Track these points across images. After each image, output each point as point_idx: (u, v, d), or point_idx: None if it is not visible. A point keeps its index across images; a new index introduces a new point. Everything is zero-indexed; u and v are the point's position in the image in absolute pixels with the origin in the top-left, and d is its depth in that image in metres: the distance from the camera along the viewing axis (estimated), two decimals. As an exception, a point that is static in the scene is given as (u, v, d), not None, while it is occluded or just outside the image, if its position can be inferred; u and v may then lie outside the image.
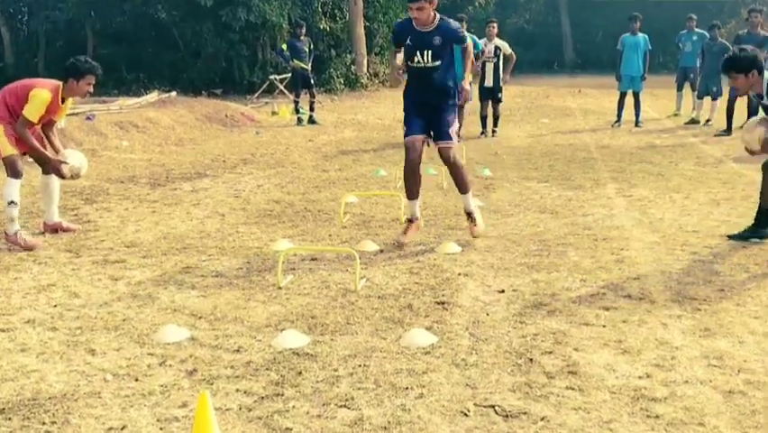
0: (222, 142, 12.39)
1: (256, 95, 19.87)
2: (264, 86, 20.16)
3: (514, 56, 12.55)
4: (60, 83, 6.18)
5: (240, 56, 22.63)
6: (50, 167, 6.37)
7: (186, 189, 8.40)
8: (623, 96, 14.13)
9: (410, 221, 6.05)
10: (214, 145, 12.05)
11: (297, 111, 15.28)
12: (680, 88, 15.49)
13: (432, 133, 6.01)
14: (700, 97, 14.29)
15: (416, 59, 5.85)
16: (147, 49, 26.86)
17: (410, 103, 6.04)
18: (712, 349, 3.88)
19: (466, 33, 5.80)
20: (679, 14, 23.39)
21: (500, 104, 12.87)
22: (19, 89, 6.13)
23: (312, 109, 15.18)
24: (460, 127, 11.99)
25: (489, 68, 12.50)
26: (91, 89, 6.27)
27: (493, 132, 12.72)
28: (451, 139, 5.93)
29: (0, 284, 5.08)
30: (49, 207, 6.52)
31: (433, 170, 9.12)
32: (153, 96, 15.77)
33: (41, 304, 4.68)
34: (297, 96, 15.33)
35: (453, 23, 5.98)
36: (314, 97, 15.30)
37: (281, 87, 19.52)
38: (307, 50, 14.98)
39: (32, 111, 6.03)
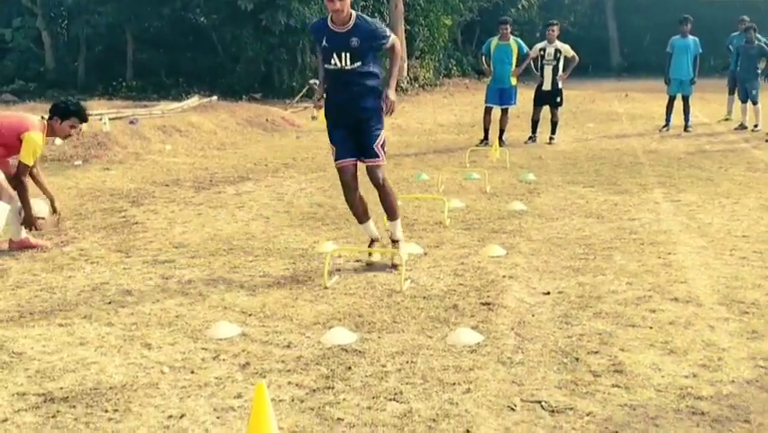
0: (263, 147, 12.69)
1: (296, 99, 20.21)
2: (304, 90, 20.50)
3: (576, 58, 12.46)
4: (45, 121, 6.15)
5: (279, 60, 23.04)
6: (26, 218, 6.17)
7: (230, 193, 8.68)
8: (672, 99, 14.11)
9: (372, 242, 5.83)
10: (255, 149, 12.36)
11: None
12: (731, 92, 15.42)
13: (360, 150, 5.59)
14: (744, 101, 14.23)
15: (332, 62, 5.37)
16: (186, 53, 27.47)
17: (333, 118, 5.61)
18: (759, 351, 3.98)
19: (387, 31, 5.44)
20: (729, 15, 23.25)
21: (559, 108, 12.73)
22: (4, 127, 6.00)
23: None
24: (502, 132, 12.16)
25: (548, 71, 12.44)
26: (73, 133, 6.22)
27: (550, 139, 12.58)
28: (378, 157, 5.55)
29: (55, 282, 5.37)
30: (15, 223, 6.20)
31: (476, 175, 9.29)
32: (194, 100, 16.18)
33: (95, 301, 4.95)
34: None
35: (372, 22, 5.43)
36: None
37: (321, 91, 19.79)
38: None
39: (29, 155, 6.00)
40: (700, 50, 14.00)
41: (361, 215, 5.81)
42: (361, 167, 5.71)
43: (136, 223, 7.18)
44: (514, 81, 12.20)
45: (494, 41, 12.24)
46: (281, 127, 15.07)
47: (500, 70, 12.14)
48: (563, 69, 12.48)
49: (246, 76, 23.56)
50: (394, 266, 5.54)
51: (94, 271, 5.62)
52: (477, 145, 11.86)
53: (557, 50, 12.38)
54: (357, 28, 5.33)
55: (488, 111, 12.34)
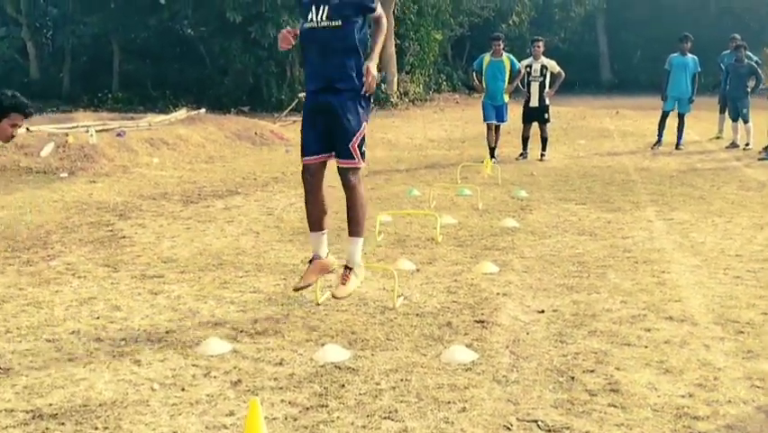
0: (252, 160, 12.70)
1: (284, 113, 20.24)
2: (293, 104, 20.54)
3: (563, 74, 12.57)
4: None
5: (268, 73, 23.09)
6: None
7: (218, 207, 8.68)
8: (665, 115, 14.20)
9: (311, 260, 5.03)
10: (244, 163, 12.37)
11: None
12: (722, 111, 15.57)
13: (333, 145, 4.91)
14: (735, 120, 14.39)
15: (309, 17, 4.82)
16: (173, 65, 27.48)
17: (308, 99, 5.01)
18: (755, 371, 4.01)
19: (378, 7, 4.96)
20: (721, 34, 23.47)
21: (548, 124, 12.83)
22: None
23: None
24: (494, 148, 12.16)
25: (535, 87, 12.51)
26: (16, 133, 4.89)
27: (541, 156, 12.64)
28: (353, 158, 4.87)
29: (42, 296, 5.35)
30: None
31: (467, 191, 9.33)
32: (182, 113, 16.18)
33: (83, 316, 4.93)
34: None
35: None
36: None
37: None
38: None
39: None
40: (699, 69, 14.14)
41: (316, 223, 5.07)
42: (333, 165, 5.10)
43: (124, 237, 7.17)
44: (507, 98, 12.23)
45: (486, 57, 12.27)
46: (270, 141, 15.08)
47: (494, 87, 12.14)
48: (550, 86, 12.57)
49: (234, 88, 23.60)
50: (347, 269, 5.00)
51: (81, 286, 5.60)
52: (492, 161, 11.53)
53: (543, 66, 12.49)
54: None
55: (489, 128, 12.32)
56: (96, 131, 11.70)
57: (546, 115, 12.67)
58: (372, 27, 5.07)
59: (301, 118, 5.10)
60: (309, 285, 4.97)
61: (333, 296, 4.98)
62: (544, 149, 12.76)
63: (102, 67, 26.85)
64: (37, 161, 10.80)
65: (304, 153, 4.97)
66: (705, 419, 3.48)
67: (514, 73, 12.21)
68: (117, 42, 26.35)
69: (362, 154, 4.92)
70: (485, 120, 12.40)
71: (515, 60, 12.29)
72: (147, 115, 16.62)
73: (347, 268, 5.01)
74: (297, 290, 4.97)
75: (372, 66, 4.82)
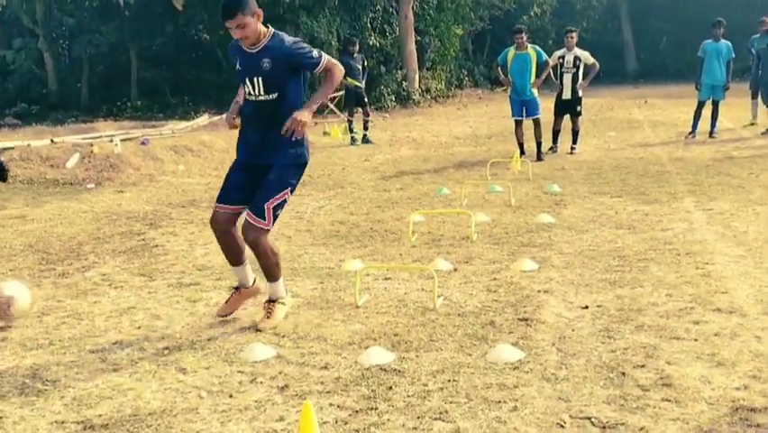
0: (277, 164, 12.78)
1: (305, 115, 20.32)
2: (313, 105, 20.62)
3: (597, 65, 12.50)
4: None
5: (287, 75, 23.22)
6: None
7: (247, 212, 8.75)
8: (701, 105, 14.11)
9: (236, 288, 5.14)
10: (269, 167, 12.45)
11: (350, 130, 15.66)
12: (754, 96, 15.45)
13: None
14: None
15: (246, 90, 4.74)
16: (190, 71, 27.77)
17: (238, 154, 4.92)
18: (810, 361, 4.01)
19: (315, 51, 4.74)
20: (749, 16, 23.27)
21: (580, 117, 12.80)
22: None
23: (366, 128, 15.56)
24: (540, 145, 12.05)
25: (568, 79, 12.45)
26: None
27: (572, 149, 12.63)
28: (262, 217, 4.69)
29: (80, 308, 5.44)
30: None
31: (498, 188, 9.35)
32: (204, 119, 16.34)
33: (125, 326, 5.02)
34: (351, 114, 15.74)
35: (288, 39, 4.75)
36: (368, 116, 15.69)
37: (332, 106, 19.98)
38: (361, 67, 15.38)
39: None
40: (733, 55, 14.02)
41: (233, 259, 5.04)
42: None
43: (156, 246, 7.27)
44: (535, 92, 12.18)
45: (511, 50, 12.22)
46: (293, 144, 15.16)
47: (520, 81, 12.06)
48: (583, 77, 12.50)
49: (253, 92, 23.76)
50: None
51: (119, 296, 5.70)
52: (520, 158, 11.43)
53: (576, 58, 12.40)
54: (268, 49, 4.65)
55: (518, 124, 12.26)
56: (121, 140, 11.85)
57: (579, 108, 12.64)
58: (322, 78, 4.95)
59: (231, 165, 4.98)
60: (231, 313, 5.09)
61: (258, 329, 4.82)
62: (574, 142, 12.73)
63: (119, 75, 27.21)
64: (63, 173, 10.96)
65: (218, 198, 4.86)
66: (762, 410, 3.49)
67: (541, 65, 12.14)
68: (134, 50, 26.67)
69: (275, 218, 4.75)
70: (513, 116, 12.39)
71: (541, 52, 12.22)
72: (168, 122, 16.81)
73: (271, 301, 4.98)
74: (220, 316, 5.07)
75: (305, 114, 4.57)
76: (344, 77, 15.14)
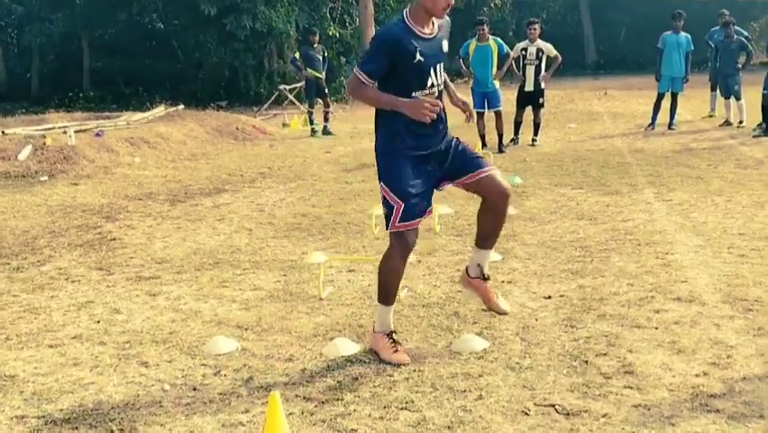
0: (236, 156, 12.75)
1: (265, 106, 20.28)
2: (273, 97, 20.57)
3: (559, 57, 12.61)
4: None
5: (245, 66, 23.13)
6: None
7: (207, 205, 8.73)
8: (661, 97, 14.36)
9: (393, 339, 4.24)
10: (228, 159, 12.42)
11: (310, 122, 15.65)
12: (713, 88, 15.78)
13: (452, 173, 4.31)
14: (727, 98, 14.59)
15: (429, 83, 4.10)
16: (144, 60, 27.45)
17: (410, 161, 4.14)
18: (767, 347, 4.15)
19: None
20: (708, 10, 23.73)
21: (542, 109, 12.95)
22: None
23: (326, 120, 15.57)
24: (501, 137, 12.21)
25: (530, 71, 12.54)
26: None
27: (533, 141, 12.77)
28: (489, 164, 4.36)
29: (38, 302, 5.40)
30: None
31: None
32: (160, 110, 16.18)
33: (83, 320, 5.00)
34: (311, 106, 15.72)
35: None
36: (328, 107, 15.70)
37: (291, 97, 19.93)
38: (321, 58, 15.39)
39: None
40: (692, 47, 14.29)
41: (394, 296, 4.34)
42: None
43: (113, 239, 7.21)
44: (497, 84, 12.31)
45: (472, 42, 12.34)
46: (252, 135, 15.13)
47: (482, 73, 12.20)
48: (546, 69, 12.65)
49: (210, 83, 23.63)
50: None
51: (77, 291, 5.66)
52: (482, 150, 11.60)
53: (539, 50, 12.53)
54: (441, 26, 4.15)
55: (479, 116, 12.26)
56: (75, 131, 11.69)
57: (541, 100, 12.79)
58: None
59: (388, 165, 4.19)
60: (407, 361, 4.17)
61: (503, 312, 4.55)
62: (536, 134, 12.88)
63: (71, 65, 26.79)
64: (15, 165, 10.79)
65: (411, 215, 4.19)
66: (721, 396, 3.61)
67: (502, 57, 12.27)
68: (86, 39, 26.28)
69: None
70: (474, 107, 12.47)
71: (502, 44, 12.35)
72: (123, 113, 16.61)
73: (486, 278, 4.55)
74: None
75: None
76: (305, 68, 15.17)
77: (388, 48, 3.99)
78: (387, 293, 4.25)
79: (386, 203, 4.21)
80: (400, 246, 4.25)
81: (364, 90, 4.07)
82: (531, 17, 16.27)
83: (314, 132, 15.40)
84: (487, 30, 12.33)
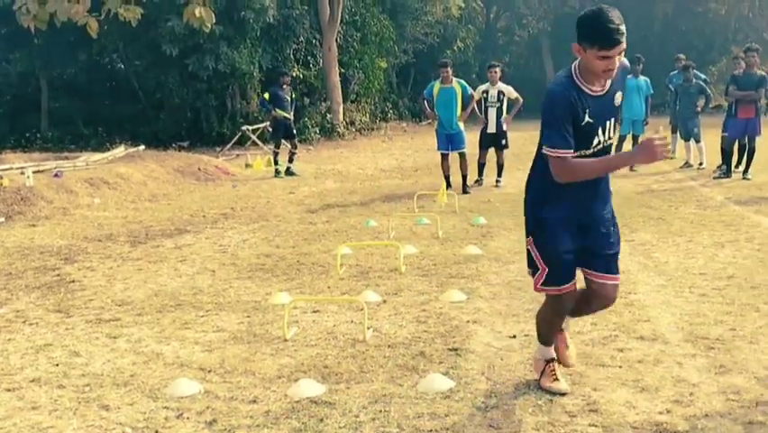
0: (198, 197, 12.74)
1: (227, 146, 20.31)
2: (236, 137, 20.62)
3: (520, 99, 12.92)
4: None
5: (208, 106, 23.17)
6: None
7: (168, 246, 8.71)
8: (622, 139, 14.75)
9: (553, 367, 4.34)
10: (190, 200, 12.40)
11: (275, 162, 15.70)
12: (673, 131, 16.17)
13: (588, 256, 4.10)
14: (687, 140, 15.00)
15: (595, 142, 3.89)
16: (104, 101, 27.34)
17: (563, 220, 4.02)
18: (729, 385, 4.25)
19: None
20: (666, 53, 24.39)
21: (505, 151, 13.15)
22: None
23: (291, 160, 15.65)
24: (465, 178, 12.33)
25: (492, 113, 12.76)
26: None
27: (497, 182, 12.99)
28: (618, 272, 4.20)
29: (-7, 346, 5.33)
30: None
31: (426, 220, 9.54)
32: (120, 150, 16.14)
33: (42, 363, 4.94)
34: (277, 146, 15.75)
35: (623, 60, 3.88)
36: (295, 148, 15.79)
37: (254, 137, 20.00)
38: (289, 98, 15.52)
39: None
40: (652, 91, 14.74)
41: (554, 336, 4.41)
42: None
43: (72, 281, 7.15)
44: (461, 126, 12.49)
45: (436, 85, 12.53)
46: (215, 176, 15.13)
47: (446, 115, 12.36)
48: (507, 112, 12.89)
49: (171, 123, 23.60)
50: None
51: (34, 333, 5.60)
52: (446, 191, 11.55)
53: (500, 92, 12.78)
54: (618, 80, 3.93)
55: (444, 157, 12.54)
56: (33, 172, 11.61)
57: (504, 141, 13.01)
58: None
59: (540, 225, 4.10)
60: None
61: (570, 365, 4.44)
62: (499, 175, 13.08)
63: (29, 105, 26.54)
64: (-30, 206, 10.67)
65: (564, 278, 4.07)
66: (684, 433, 3.69)
67: (466, 99, 12.48)
68: (44, 79, 26.13)
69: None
70: (438, 149, 12.68)
71: (466, 86, 12.56)
72: (82, 153, 16.53)
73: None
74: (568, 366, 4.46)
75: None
76: (274, 108, 15.27)
77: (565, 111, 3.77)
78: (544, 339, 4.37)
79: (530, 261, 4.14)
80: (553, 307, 4.23)
81: (573, 166, 3.80)
82: (493, 60, 16.56)
83: (277, 172, 15.47)
84: (450, 72, 12.54)
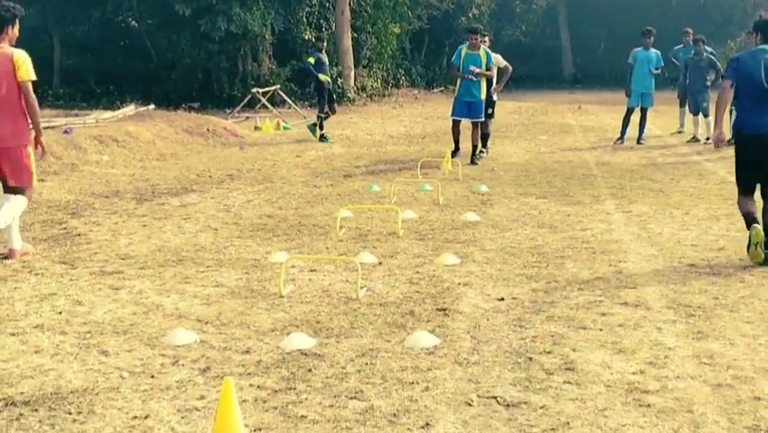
0: (205, 157, 12.93)
1: (237, 108, 20.43)
2: (246, 99, 20.74)
3: (510, 68, 12.84)
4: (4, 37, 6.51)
5: (219, 68, 23.24)
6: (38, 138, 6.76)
7: (174, 204, 8.91)
8: (630, 111, 14.79)
9: None
10: (197, 160, 12.59)
11: (320, 126, 15.50)
12: (682, 105, 16.21)
13: None
14: (695, 114, 15.03)
15: None
16: (116, 59, 27.44)
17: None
18: (704, 350, 4.44)
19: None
20: (684, 26, 24.21)
21: (491, 120, 12.95)
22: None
23: (321, 126, 15.49)
24: (475, 148, 12.18)
25: (482, 83, 12.61)
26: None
27: (480, 151, 12.56)
28: None
29: (0, 294, 5.56)
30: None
31: (428, 186, 9.71)
32: (130, 109, 16.30)
33: (45, 311, 5.17)
34: (322, 110, 15.52)
35: None
36: (334, 113, 15.75)
37: (264, 100, 20.12)
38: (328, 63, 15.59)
39: (31, 71, 6.50)
40: (662, 64, 14.76)
41: None
42: None
43: (78, 235, 7.38)
44: (484, 95, 12.12)
45: (463, 50, 12.04)
46: (223, 138, 15.30)
47: (468, 82, 12.01)
48: (497, 81, 12.83)
49: (183, 84, 23.69)
50: None
51: (40, 283, 5.83)
52: (453, 158, 11.65)
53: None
54: None
55: (455, 123, 12.29)
56: (43, 128, 11.78)
57: (490, 111, 12.65)
58: None
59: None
60: None
61: None
62: (484, 145, 12.79)
63: (41, 62, 26.38)
64: (-20, 160, 10.88)
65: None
66: (654, 392, 3.88)
67: (489, 67, 12.05)
68: (57, 36, 26.24)
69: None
70: (451, 115, 12.37)
71: (491, 55, 12.13)
72: (93, 111, 16.71)
73: None
74: None
75: None
76: (319, 73, 15.18)
77: None
78: None
79: None
80: None
81: None
82: (509, 28, 16.49)
83: (323, 138, 15.28)
84: (479, 39, 12.02)
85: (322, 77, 15.17)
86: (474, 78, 11.90)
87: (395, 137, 16.39)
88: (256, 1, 22.23)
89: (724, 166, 11.70)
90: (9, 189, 6.56)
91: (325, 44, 15.88)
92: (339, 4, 24.46)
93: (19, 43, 6.84)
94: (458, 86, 12.33)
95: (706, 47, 15.06)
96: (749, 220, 6.32)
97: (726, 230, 7.43)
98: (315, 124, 15.59)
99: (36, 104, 6.63)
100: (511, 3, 38.05)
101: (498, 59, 12.65)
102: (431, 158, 12.11)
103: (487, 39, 12.78)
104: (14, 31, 6.61)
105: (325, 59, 15.48)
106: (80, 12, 25.18)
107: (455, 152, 12.17)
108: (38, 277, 5.99)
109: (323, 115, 15.50)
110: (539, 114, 21.83)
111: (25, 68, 6.43)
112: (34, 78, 6.55)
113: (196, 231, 7.56)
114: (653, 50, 14.68)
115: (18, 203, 6.54)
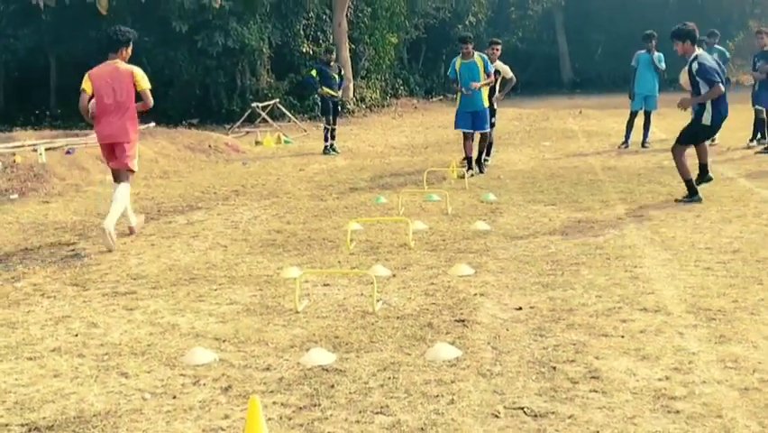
0: (209, 174, 12.95)
1: (237, 124, 20.48)
2: (246, 114, 20.78)
3: (514, 79, 12.92)
4: (119, 56, 7.96)
5: (217, 83, 23.32)
6: None
7: (180, 222, 8.93)
8: (634, 115, 14.83)
9: None
10: (201, 177, 12.61)
11: (325, 138, 15.52)
12: (686, 107, 16.20)
13: None
14: None
15: None
16: (113, 78, 27.44)
17: None
18: (728, 354, 4.44)
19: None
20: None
21: (493, 128, 12.85)
22: (119, 80, 7.85)
23: (326, 138, 15.59)
24: (480, 154, 12.18)
25: (485, 91, 12.61)
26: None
27: (484, 161, 12.59)
28: None
29: (14, 317, 5.56)
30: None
31: (435, 196, 9.72)
32: (130, 127, 16.31)
33: (61, 334, 5.18)
34: (328, 122, 15.59)
35: None
36: (335, 125, 15.81)
37: (264, 114, 20.17)
38: (337, 76, 15.56)
39: (147, 80, 8.01)
40: (665, 66, 14.79)
41: None
42: None
43: (87, 256, 7.38)
44: (486, 103, 12.02)
45: (458, 60, 11.99)
46: (225, 153, 15.34)
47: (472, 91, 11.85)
48: (500, 90, 12.90)
49: (181, 101, 23.76)
50: None
51: (53, 306, 5.83)
52: (467, 172, 11.53)
53: (497, 71, 12.50)
54: None
55: (466, 137, 12.02)
56: (45, 149, 11.84)
57: (493, 120, 12.60)
58: None
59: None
60: None
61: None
62: (487, 153, 12.80)
63: (38, 82, 26.74)
64: (-16, 183, 10.91)
65: None
66: (682, 398, 3.88)
67: (487, 72, 11.94)
68: (53, 56, 26.30)
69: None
70: (459, 128, 12.12)
71: (487, 60, 12.02)
72: (92, 131, 16.71)
73: None
74: None
75: None
76: (321, 86, 15.22)
77: None
78: None
79: None
80: None
81: None
82: (506, 35, 16.59)
83: (331, 149, 15.39)
84: (471, 47, 11.91)
85: (325, 90, 15.19)
86: (473, 93, 11.85)
87: (397, 148, 16.42)
88: (253, 15, 22.32)
89: (731, 167, 11.75)
90: (116, 179, 8.14)
91: (334, 56, 15.82)
92: (336, 17, 24.56)
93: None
94: (459, 97, 12.20)
95: (716, 46, 14.93)
96: None
97: (739, 232, 7.44)
98: (326, 138, 15.61)
99: (152, 102, 8.22)
100: (507, 9, 38.21)
101: (506, 70, 12.75)
102: (436, 168, 12.12)
103: (499, 48, 12.78)
104: (128, 51, 8.03)
105: (332, 71, 15.46)
106: (76, 31, 25.21)
107: (470, 168, 11.87)
108: (50, 300, 5.99)
109: (328, 127, 15.55)
110: (540, 120, 21.87)
111: (144, 80, 7.92)
112: (150, 86, 8.05)
113: (205, 248, 7.57)
114: (656, 53, 14.71)
115: (124, 190, 7.97)
